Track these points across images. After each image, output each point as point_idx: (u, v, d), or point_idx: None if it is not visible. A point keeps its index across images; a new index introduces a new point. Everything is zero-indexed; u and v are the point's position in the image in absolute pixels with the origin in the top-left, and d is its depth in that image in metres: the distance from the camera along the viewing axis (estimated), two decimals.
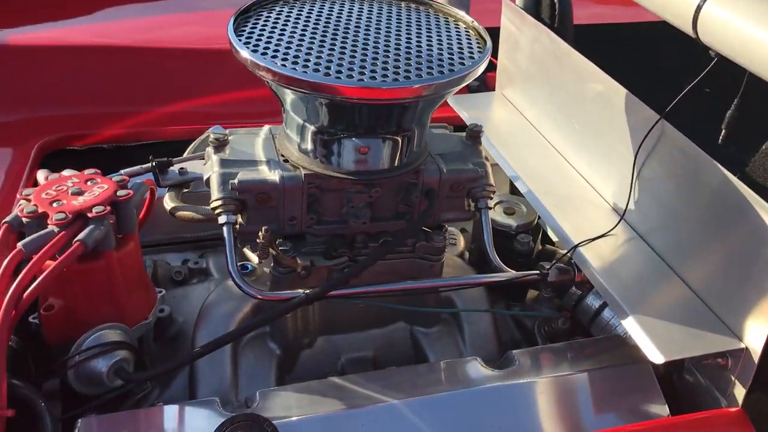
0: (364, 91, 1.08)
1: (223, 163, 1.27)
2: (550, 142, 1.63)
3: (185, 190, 1.50)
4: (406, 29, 1.25)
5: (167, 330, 1.46)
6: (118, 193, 1.24)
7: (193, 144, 1.62)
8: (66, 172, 1.36)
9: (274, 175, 1.24)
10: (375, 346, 1.45)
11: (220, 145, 1.29)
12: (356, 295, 1.29)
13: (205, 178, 1.30)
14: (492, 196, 1.38)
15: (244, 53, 1.12)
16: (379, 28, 1.23)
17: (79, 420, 1.11)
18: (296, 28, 1.20)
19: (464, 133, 1.42)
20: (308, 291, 1.24)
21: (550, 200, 1.48)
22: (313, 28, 1.20)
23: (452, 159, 1.35)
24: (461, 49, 1.22)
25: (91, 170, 1.31)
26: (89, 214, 1.18)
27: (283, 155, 1.28)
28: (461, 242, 1.65)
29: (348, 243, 1.33)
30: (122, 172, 1.55)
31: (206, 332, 1.35)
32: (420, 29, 1.26)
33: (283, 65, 1.10)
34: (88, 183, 1.27)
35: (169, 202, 1.42)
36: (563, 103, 1.63)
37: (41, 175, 1.35)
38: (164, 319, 1.44)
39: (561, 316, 1.43)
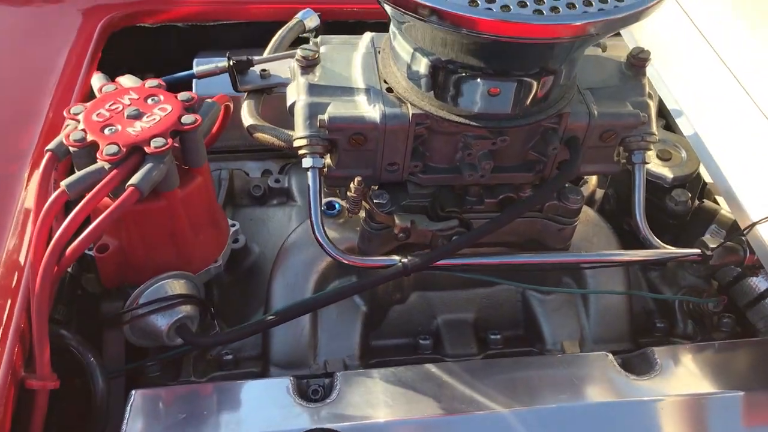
0: (524, 28, 0.77)
1: (312, 89, 1.00)
2: (729, 68, 1.25)
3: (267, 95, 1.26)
4: None
5: (243, 262, 1.28)
6: (183, 120, 1.00)
7: (278, 35, 1.35)
8: (124, 80, 1.12)
9: (373, 111, 0.97)
10: (477, 308, 1.23)
11: (308, 65, 1.01)
12: (464, 267, 1.05)
13: (288, 103, 1.04)
14: (651, 147, 1.07)
15: None
16: None
17: (133, 392, 0.95)
18: None
19: (623, 59, 1.09)
20: (406, 259, 1.00)
21: (721, 150, 1.14)
22: None
23: (606, 96, 1.04)
24: None
25: (153, 82, 1.07)
26: (147, 149, 0.96)
27: (386, 82, 1.00)
28: (593, 179, 1.35)
29: (458, 196, 1.07)
30: (195, 70, 1.32)
31: (284, 282, 1.15)
32: None
33: None
34: (149, 101, 1.03)
35: (247, 116, 1.18)
36: (757, 6, 1.24)
37: (96, 81, 1.13)
38: (239, 251, 1.25)
39: (716, 301, 1.15)
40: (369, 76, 1.02)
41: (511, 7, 0.79)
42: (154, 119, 1.00)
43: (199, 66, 1.43)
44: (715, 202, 1.27)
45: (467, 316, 1.22)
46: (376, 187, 1.05)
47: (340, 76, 1.02)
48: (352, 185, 1.03)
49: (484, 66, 0.89)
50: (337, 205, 1.19)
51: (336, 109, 0.98)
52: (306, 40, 1.55)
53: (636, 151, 1.06)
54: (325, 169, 1.02)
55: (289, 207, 1.37)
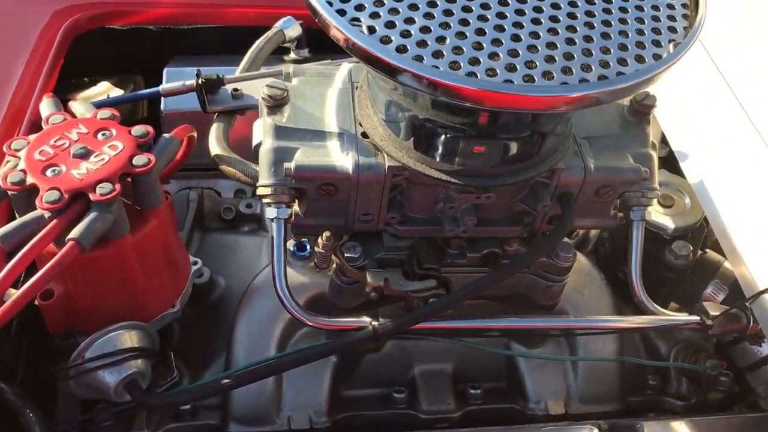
0: (516, 99, 0.67)
1: (278, 132, 0.90)
2: (745, 109, 1.14)
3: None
4: None
5: (207, 297, 1.19)
6: (135, 161, 0.90)
7: (254, 47, 1.24)
8: (76, 107, 1.02)
9: (345, 160, 0.87)
10: (457, 358, 1.14)
11: (275, 105, 0.91)
12: (442, 331, 0.96)
13: (254, 143, 0.94)
14: (653, 203, 0.97)
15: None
16: None
17: None
18: None
19: (626, 102, 0.98)
20: (377, 323, 0.92)
21: (730, 204, 1.05)
22: None
23: (605, 147, 0.94)
24: (656, 15, 0.76)
25: (106, 112, 0.97)
26: (92, 196, 0.86)
27: (362, 125, 0.90)
28: None
29: (439, 248, 0.98)
30: (161, 88, 1.22)
31: (247, 331, 1.06)
32: None
33: (386, 45, 0.69)
34: (99, 136, 0.93)
35: (214, 143, 1.09)
36: None
37: (45, 108, 1.02)
38: (203, 285, 1.16)
39: (714, 366, 1.06)
40: (343, 117, 0.92)
41: (498, 71, 0.68)
42: (103, 160, 0.90)
43: (166, 83, 1.33)
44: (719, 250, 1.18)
45: (445, 366, 1.14)
46: (348, 238, 0.96)
47: (311, 117, 0.92)
48: (320, 240, 0.93)
49: (466, 128, 0.79)
50: (308, 246, 1.10)
51: (304, 155, 0.88)
52: (287, 50, 1.45)
53: (635, 208, 0.97)
54: (292, 218, 0.93)
55: (260, 236, 1.27)
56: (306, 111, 0.92)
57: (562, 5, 0.74)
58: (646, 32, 0.74)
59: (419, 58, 0.69)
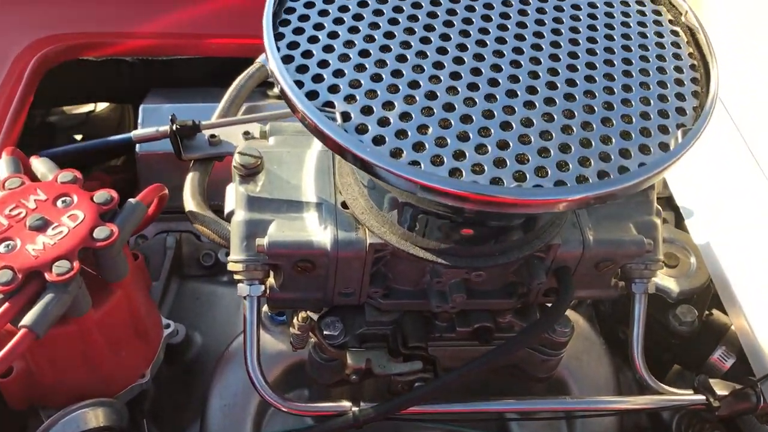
0: (504, 202, 0.60)
1: (251, 203, 0.83)
2: (757, 159, 1.07)
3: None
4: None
5: (182, 356, 1.13)
6: (96, 234, 0.83)
7: (235, 85, 1.17)
8: (38, 165, 0.96)
9: (323, 234, 0.80)
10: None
11: (249, 174, 0.84)
12: (428, 416, 0.89)
13: (226, 210, 0.87)
14: (656, 275, 0.90)
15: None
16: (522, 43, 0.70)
17: None
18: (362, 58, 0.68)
19: None
20: (357, 409, 0.85)
21: (740, 272, 0.97)
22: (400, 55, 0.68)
23: (606, 216, 0.87)
24: (663, 94, 0.69)
25: (68, 175, 0.90)
26: (48, 275, 0.79)
27: (342, 194, 0.83)
28: None
29: (427, 320, 0.91)
30: (133, 135, 1.15)
31: (221, 403, 0.99)
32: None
33: (361, 136, 0.63)
34: (59, 203, 0.86)
35: (188, 197, 1.02)
36: None
37: (3, 168, 0.95)
38: (179, 344, 1.10)
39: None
40: (322, 185, 0.84)
41: (486, 167, 0.61)
42: (61, 233, 0.83)
43: (141, 121, 1.27)
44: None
45: None
46: (327, 311, 0.89)
47: (287, 185, 0.85)
48: (295, 321, 0.87)
49: (452, 215, 0.72)
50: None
51: (279, 229, 0.81)
52: (271, 85, 1.37)
53: (637, 280, 0.90)
54: (267, 291, 0.86)
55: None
56: (282, 178, 0.85)
57: (558, 85, 0.67)
58: (651, 116, 0.66)
59: (397, 153, 0.62)
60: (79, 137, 1.54)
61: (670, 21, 0.79)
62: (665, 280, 1.04)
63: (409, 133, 0.63)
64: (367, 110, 0.64)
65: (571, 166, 0.62)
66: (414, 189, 0.61)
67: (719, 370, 1.04)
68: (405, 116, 0.63)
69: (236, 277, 0.83)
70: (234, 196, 0.85)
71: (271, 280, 0.86)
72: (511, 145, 0.62)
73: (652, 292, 0.91)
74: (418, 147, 0.62)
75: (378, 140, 0.63)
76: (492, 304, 0.89)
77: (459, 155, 0.62)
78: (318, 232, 0.81)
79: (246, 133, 1.05)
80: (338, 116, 0.63)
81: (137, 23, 1.36)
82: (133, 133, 1.13)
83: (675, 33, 0.77)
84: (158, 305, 1.18)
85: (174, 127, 1.07)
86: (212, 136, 1.10)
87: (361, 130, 0.63)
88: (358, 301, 0.87)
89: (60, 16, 1.31)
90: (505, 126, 0.63)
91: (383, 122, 0.63)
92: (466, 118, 0.64)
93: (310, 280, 0.84)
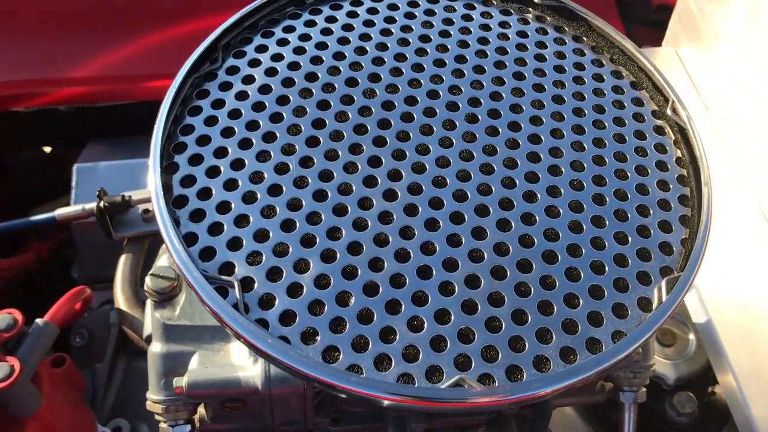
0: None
1: (168, 333, 0.71)
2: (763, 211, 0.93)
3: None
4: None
5: None
6: None
7: None
8: None
9: (253, 369, 0.68)
10: None
11: (164, 299, 0.72)
12: None
13: (144, 334, 0.75)
14: (647, 382, 0.78)
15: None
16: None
17: None
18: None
19: None
20: None
21: (744, 356, 0.85)
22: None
23: None
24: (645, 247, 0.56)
25: None
26: None
27: None
28: None
29: None
30: (56, 214, 1.02)
31: None
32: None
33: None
34: None
35: (117, 290, 0.91)
36: None
37: None
38: None
39: None
40: None
41: (416, 378, 0.49)
42: None
43: (74, 185, 1.14)
44: None
45: None
46: None
47: None
48: None
49: None
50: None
51: (201, 364, 0.69)
52: None
53: (626, 390, 0.78)
54: (198, 425, 0.74)
55: None
56: None
57: (511, 247, 0.53)
58: (629, 283, 0.53)
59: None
60: None
61: (654, 113, 0.65)
62: (660, 364, 0.91)
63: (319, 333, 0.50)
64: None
65: (525, 373, 0.49)
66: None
67: None
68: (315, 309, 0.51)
69: (157, 417, 0.72)
70: (150, 320, 0.73)
71: (201, 411, 0.75)
72: (448, 344, 0.50)
73: (642, 401, 0.79)
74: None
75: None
76: (460, 421, 0.78)
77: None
78: (247, 365, 0.69)
79: (146, 212, 0.94)
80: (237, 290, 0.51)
81: (70, 65, 1.22)
82: (57, 213, 1.00)
83: (659, 130, 0.63)
84: (104, 390, 1.07)
85: (102, 205, 0.95)
86: (146, 211, 0.98)
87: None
88: (304, 428, 0.76)
89: None
90: (441, 318, 0.51)
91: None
92: (392, 305, 0.51)
93: (245, 412, 0.73)
